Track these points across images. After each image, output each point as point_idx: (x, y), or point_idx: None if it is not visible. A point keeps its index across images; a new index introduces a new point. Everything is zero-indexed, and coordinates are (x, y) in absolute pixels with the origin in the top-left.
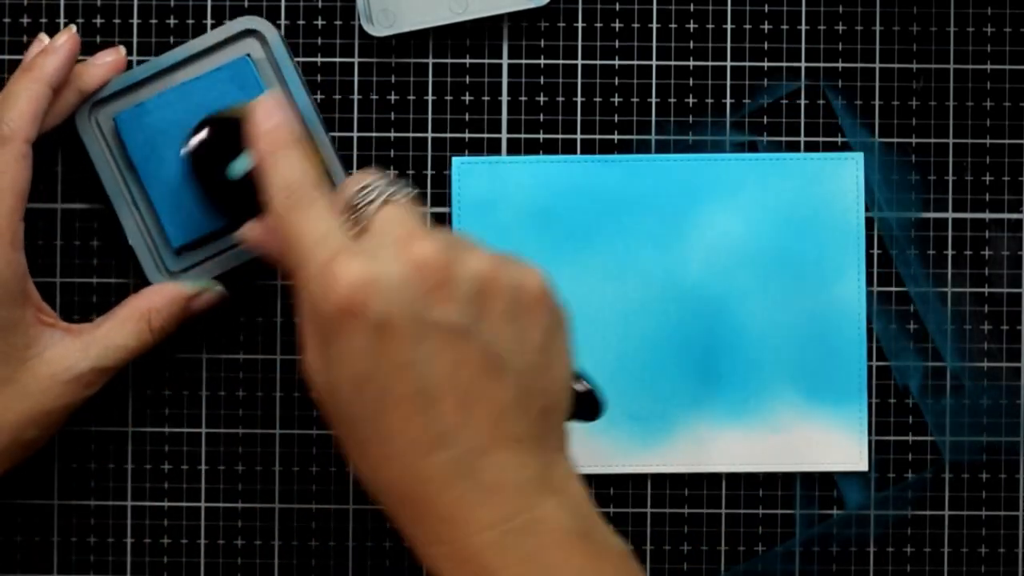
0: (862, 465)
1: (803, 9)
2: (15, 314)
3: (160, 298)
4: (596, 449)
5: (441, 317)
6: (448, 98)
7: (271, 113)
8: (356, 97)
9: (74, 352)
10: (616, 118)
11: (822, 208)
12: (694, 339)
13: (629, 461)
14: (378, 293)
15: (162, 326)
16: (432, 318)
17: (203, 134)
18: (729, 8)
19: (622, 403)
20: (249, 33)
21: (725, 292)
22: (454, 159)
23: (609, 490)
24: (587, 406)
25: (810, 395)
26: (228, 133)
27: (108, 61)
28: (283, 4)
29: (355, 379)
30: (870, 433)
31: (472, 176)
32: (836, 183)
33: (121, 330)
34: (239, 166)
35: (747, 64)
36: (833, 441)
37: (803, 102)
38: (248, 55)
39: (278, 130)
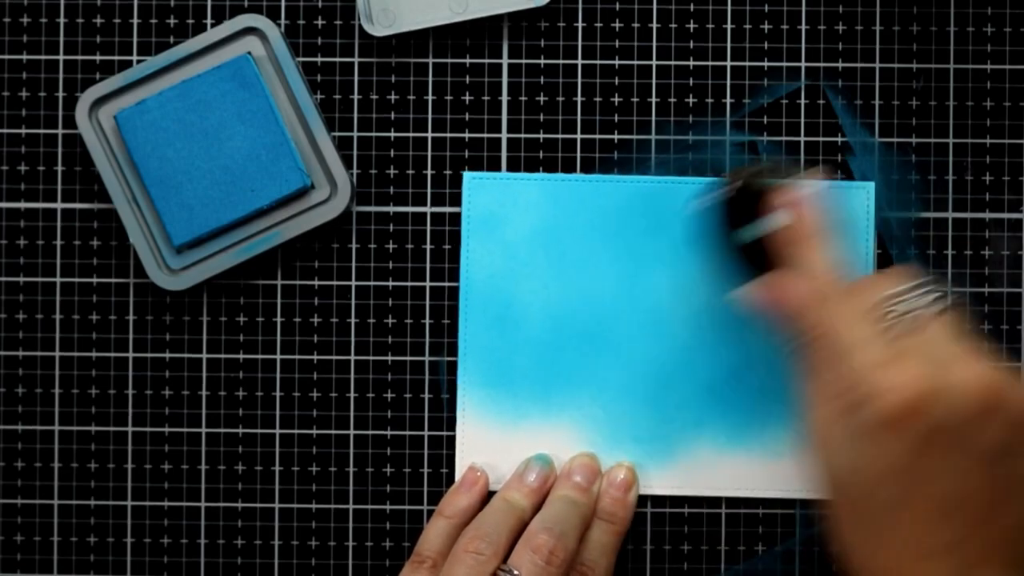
0: None
1: (803, 9)
2: None
3: None
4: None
5: (987, 441)
6: (448, 98)
7: (819, 197)
8: (356, 97)
9: None
10: (616, 118)
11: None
12: (699, 362)
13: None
14: (940, 404)
15: None
16: (979, 439)
17: (723, 193)
18: (729, 8)
19: (625, 425)
20: (250, 31)
21: (731, 316)
22: (464, 174)
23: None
24: None
25: None
26: (744, 196)
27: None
28: (283, 4)
29: (885, 473)
30: None
31: (482, 191)
32: (847, 211)
33: None
34: (752, 232)
35: (747, 64)
36: None
37: (803, 102)
38: (249, 53)
39: (824, 216)
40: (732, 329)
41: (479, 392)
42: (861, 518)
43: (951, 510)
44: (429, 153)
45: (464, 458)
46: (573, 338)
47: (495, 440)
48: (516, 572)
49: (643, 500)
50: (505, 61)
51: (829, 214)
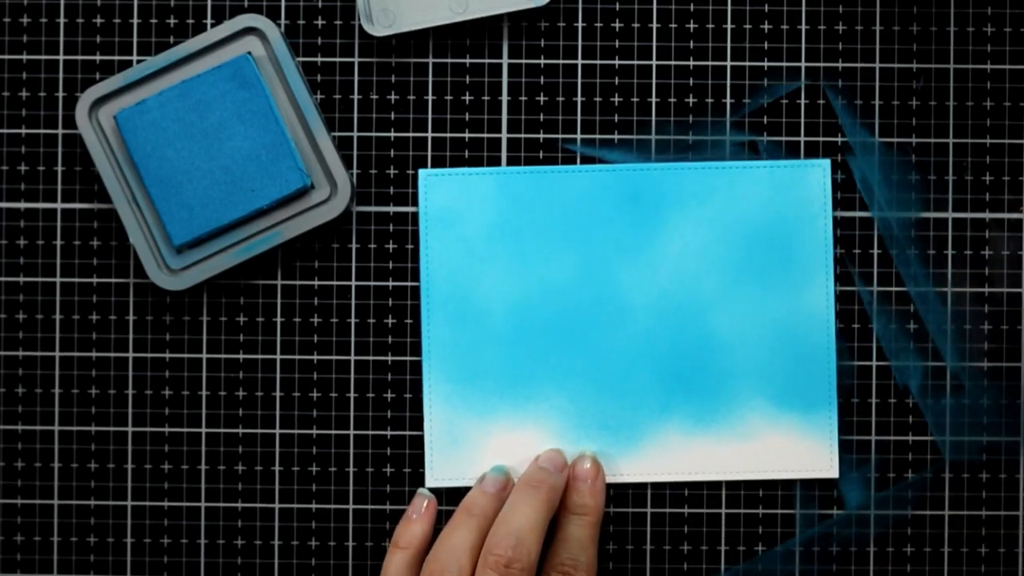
0: (832, 472)
1: (803, 9)
2: None
3: None
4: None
5: None
6: (448, 98)
7: None
8: (356, 97)
9: None
10: (616, 118)
11: (790, 216)
12: (663, 348)
13: (608, 471)
14: None
15: None
16: None
17: None
18: (729, 8)
19: (592, 414)
20: (250, 31)
21: (694, 301)
22: (420, 171)
23: (610, 491)
24: None
25: (780, 403)
26: None
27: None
28: (283, 4)
29: None
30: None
31: (438, 187)
32: (804, 191)
33: None
34: None
35: (747, 64)
36: (803, 449)
37: (803, 102)
38: (249, 53)
39: None
40: (693, 314)
41: (445, 388)
42: None
43: None
44: (429, 153)
45: (433, 456)
46: (536, 330)
47: (463, 437)
48: None
49: (641, 499)
50: (505, 61)
51: None
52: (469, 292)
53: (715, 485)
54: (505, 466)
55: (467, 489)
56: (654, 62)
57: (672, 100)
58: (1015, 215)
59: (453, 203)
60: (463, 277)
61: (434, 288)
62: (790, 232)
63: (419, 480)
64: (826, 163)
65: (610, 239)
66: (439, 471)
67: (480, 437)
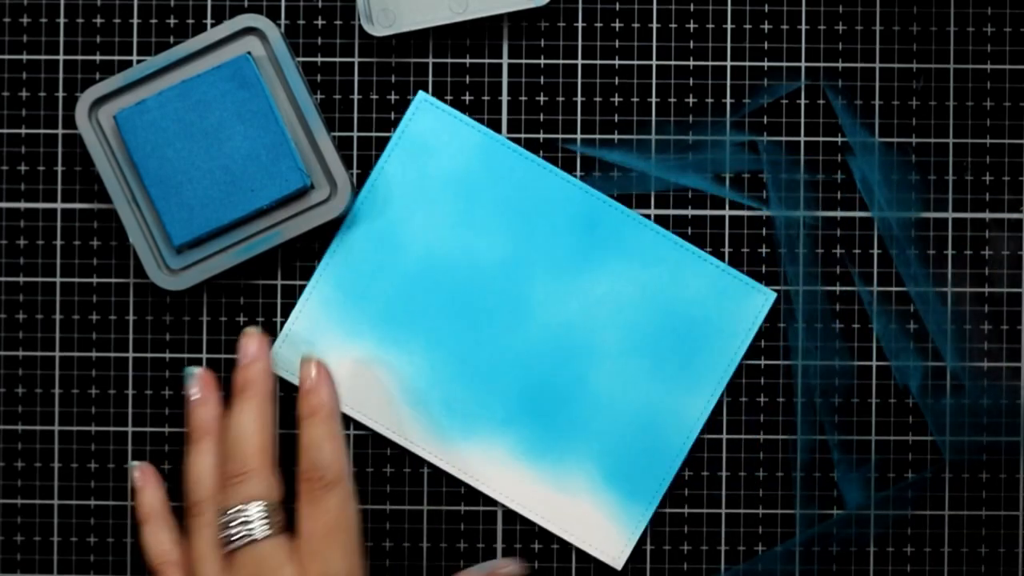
0: (616, 564)
1: (803, 9)
2: None
3: None
4: (404, 422)
5: None
6: (448, 98)
7: None
8: (356, 97)
9: None
10: (616, 118)
11: (715, 324)
12: (535, 366)
13: (426, 446)
14: None
15: None
16: None
17: None
18: (729, 8)
19: (439, 389)
20: (250, 31)
21: (586, 344)
22: (420, 93)
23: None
24: None
25: (608, 477)
26: None
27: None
28: (283, 4)
29: None
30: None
31: (428, 115)
32: (739, 309)
33: None
34: None
35: (747, 64)
36: (603, 529)
37: (803, 102)
38: (249, 53)
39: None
40: (579, 355)
41: (328, 290)
42: None
43: None
44: None
45: (284, 343)
46: (435, 288)
47: (320, 340)
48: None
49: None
50: (505, 61)
51: None
52: (400, 221)
53: (715, 485)
54: (193, 368)
55: (293, 387)
56: (654, 62)
57: (672, 100)
58: (1015, 215)
59: (433, 137)
60: (402, 204)
61: (373, 197)
62: (707, 339)
63: (419, 480)
64: (772, 295)
65: (548, 249)
66: (283, 360)
67: (333, 351)
